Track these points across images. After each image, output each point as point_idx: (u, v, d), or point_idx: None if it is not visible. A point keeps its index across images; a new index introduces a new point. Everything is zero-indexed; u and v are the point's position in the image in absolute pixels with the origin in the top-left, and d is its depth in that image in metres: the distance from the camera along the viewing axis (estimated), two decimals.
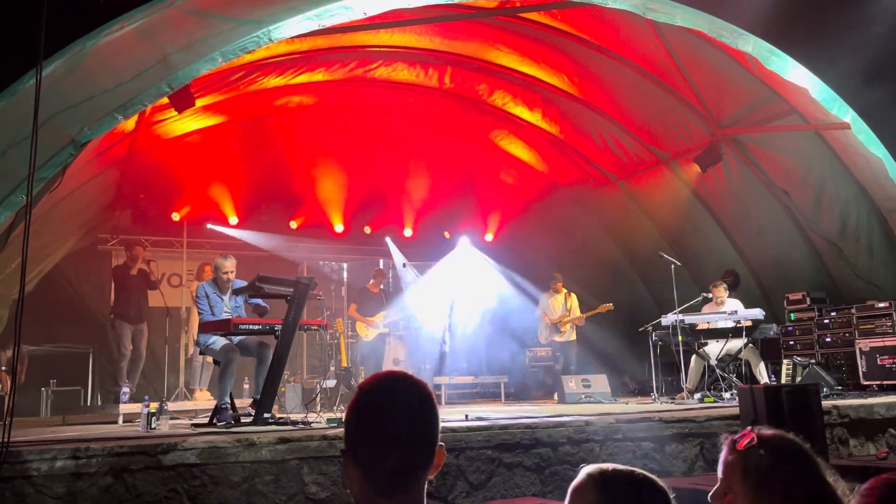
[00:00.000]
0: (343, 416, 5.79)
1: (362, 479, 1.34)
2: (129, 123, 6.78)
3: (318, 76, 9.18)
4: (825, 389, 7.27)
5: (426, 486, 1.39)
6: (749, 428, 1.76)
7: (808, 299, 9.08)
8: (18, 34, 5.09)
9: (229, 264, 6.40)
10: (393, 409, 1.36)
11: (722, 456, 1.76)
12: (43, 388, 9.11)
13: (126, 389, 7.49)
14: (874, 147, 7.62)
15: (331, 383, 8.68)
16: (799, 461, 1.66)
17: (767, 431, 1.74)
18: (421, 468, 1.36)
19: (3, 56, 5.17)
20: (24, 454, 3.80)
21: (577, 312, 9.89)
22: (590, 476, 1.48)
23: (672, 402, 7.62)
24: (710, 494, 1.75)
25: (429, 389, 1.42)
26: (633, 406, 7.25)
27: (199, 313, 6.34)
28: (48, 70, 4.79)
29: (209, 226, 10.71)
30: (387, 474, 1.33)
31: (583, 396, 8.44)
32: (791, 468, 1.64)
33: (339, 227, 11.55)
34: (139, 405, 6.38)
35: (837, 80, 7.34)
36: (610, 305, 9.80)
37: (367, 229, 12.01)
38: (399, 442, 1.34)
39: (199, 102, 7.69)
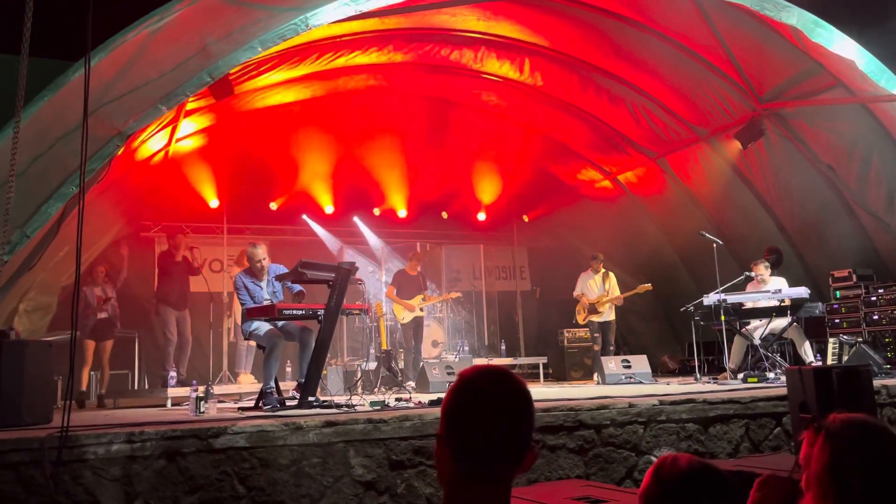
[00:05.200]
0: (385, 398, 5.86)
1: (454, 465, 1.37)
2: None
3: (375, 57, 9.17)
4: (873, 369, 7.14)
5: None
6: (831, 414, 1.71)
7: (854, 276, 8.88)
8: (62, 26, 5.18)
9: (260, 252, 6.51)
10: (490, 402, 1.38)
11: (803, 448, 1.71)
12: (93, 373, 9.37)
13: (173, 374, 7.67)
14: None
15: (371, 366, 8.78)
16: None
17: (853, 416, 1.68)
18: (511, 464, 1.38)
19: (48, 48, 5.27)
20: (82, 438, 3.91)
21: (615, 292, 9.80)
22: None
23: (715, 383, 7.54)
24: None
25: (527, 389, 1.43)
26: (675, 387, 7.20)
27: (241, 303, 6.47)
28: (93, 62, 4.86)
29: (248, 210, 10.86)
30: (476, 466, 1.36)
31: (623, 377, 8.39)
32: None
33: (376, 211, 11.61)
34: (186, 389, 6.53)
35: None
36: (648, 286, 9.71)
37: (445, 214, 12.12)
38: (491, 436, 1.36)
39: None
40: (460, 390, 1.41)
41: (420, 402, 5.69)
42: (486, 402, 1.38)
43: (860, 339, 8.18)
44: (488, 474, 1.36)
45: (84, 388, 8.31)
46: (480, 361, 10.13)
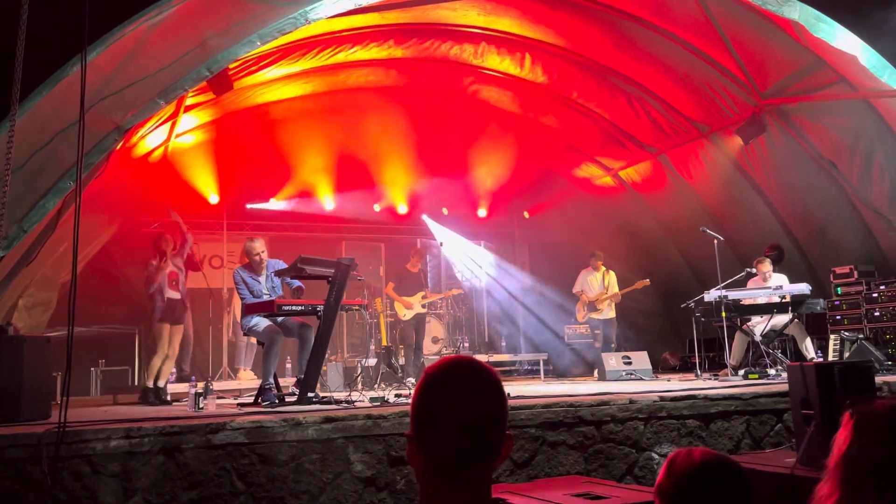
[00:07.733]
0: (385, 394, 5.83)
1: (427, 466, 1.29)
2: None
3: (376, 52, 9.13)
4: (875, 365, 7.11)
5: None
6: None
7: (855, 273, 8.85)
8: (60, 20, 5.15)
9: (258, 246, 6.54)
10: (458, 396, 1.29)
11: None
12: (92, 368, 9.36)
13: (173, 369, 7.66)
14: None
15: (371, 362, 8.76)
16: None
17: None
18: (486, 459, 1.30)
19: (46, 43, 5.24)
20: (81, 434, 3.89)
21: (614, 290, 9.79)
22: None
23: (715, 379, 7.53)
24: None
25: (497, 377, 1.34)
26: (676, 383, 7.18)
27: (241, 298, 6.48)
28: (91, 56, 4.84)
29: (248, 206, 10.83)
30: (451, 463, 1.27)
31: (624, 374, 8.38)
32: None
33: (376, 207, 11.58)
34: (185, 385, 6.52)
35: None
36: (646, 281, 9.72)
37: (445, 210, 12.11)
38: (463, 431, 1.27)
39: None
40: (427, 387, 1.31)
41: None
42: (455, 397, 1.29)
43: (861, 336, 8.16)
44: (465, 473, 1.28)
45: (150, 382, 7.09)
46: (481, 357, 10.11)
